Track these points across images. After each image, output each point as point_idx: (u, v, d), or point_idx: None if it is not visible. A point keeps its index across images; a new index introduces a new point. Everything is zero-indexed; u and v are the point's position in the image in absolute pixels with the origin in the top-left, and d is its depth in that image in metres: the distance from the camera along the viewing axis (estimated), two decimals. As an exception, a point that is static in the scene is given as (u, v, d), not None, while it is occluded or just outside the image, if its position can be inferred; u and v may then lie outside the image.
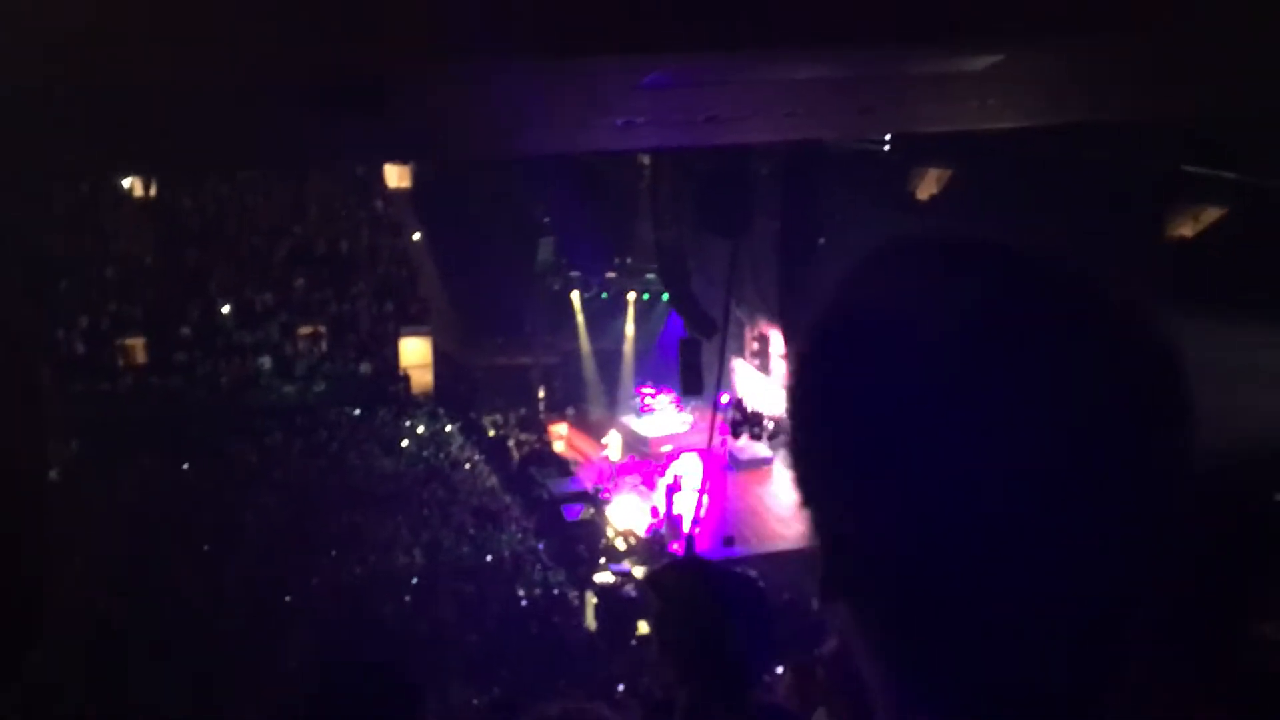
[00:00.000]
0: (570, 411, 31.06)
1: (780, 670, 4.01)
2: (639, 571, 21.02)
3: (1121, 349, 0.80)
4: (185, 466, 24.43)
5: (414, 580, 21.82)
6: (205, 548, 21.48)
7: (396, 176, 30.77)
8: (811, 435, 0.87)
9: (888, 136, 16.76)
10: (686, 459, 25.37)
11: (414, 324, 30.45)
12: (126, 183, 27.09)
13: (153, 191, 27.90)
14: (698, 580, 2.88)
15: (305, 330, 29.63)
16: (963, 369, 0.77)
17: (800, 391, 0.88)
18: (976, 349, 0.78)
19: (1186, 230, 14.12)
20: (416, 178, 30.52)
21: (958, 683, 0.82)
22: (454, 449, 27.92)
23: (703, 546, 20.86)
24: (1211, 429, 0.83)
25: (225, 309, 28.95)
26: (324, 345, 29.70)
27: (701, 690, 2.74)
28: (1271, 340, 11.58)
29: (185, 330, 28.06)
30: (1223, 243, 13.48)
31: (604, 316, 31.14)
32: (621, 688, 13.93)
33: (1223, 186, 13.58)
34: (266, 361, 28.81)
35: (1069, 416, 0.76)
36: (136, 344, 27.35)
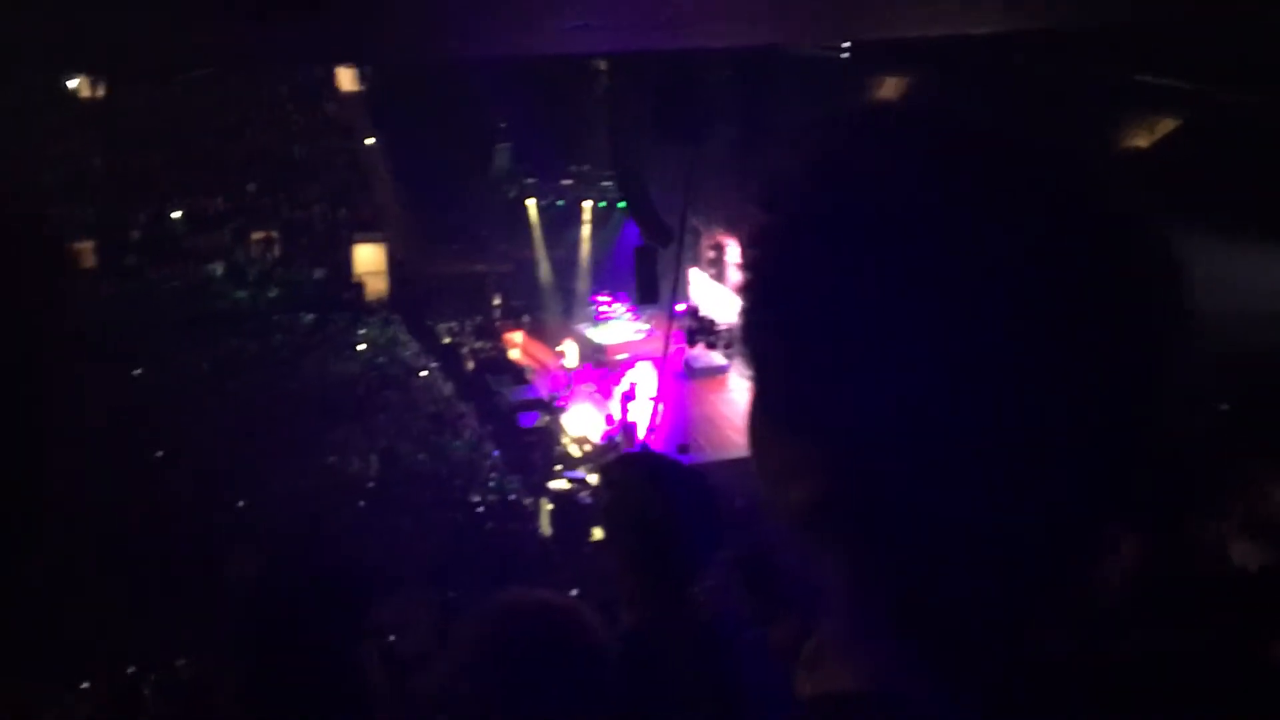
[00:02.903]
0: (525, 319, 30.96)
1: (730, 570, 4.06)
2: (593, 479, 21.15)
3: (1098, 233, 0.77)
4: (136, 373, 24.22)
5: (369, 486, 21.86)
6: (157, 454, 21.37)
7: (350, 80, 30.24)
8: (763, 328, 0.84)
9: (846, 43, 16.64)
10: (642, 367, 25.44)
11: (368, 230, 30.19)
12: (73, 84, 26.50)
13: (99, 93, 27.29)
14: (648, 472, 2.88)
15: (258, 235, 29.32)
16: (920, 248, 0.74)
17: (752, 276, 0.84)
18: (934, 227, 0.75)
19: (1142, 141, 14.16)
20: (370, 81, 30.02)
21: (909, 586, 0.80)
22: (408, 356, 27.85)
23: (659, 451, 20.98)
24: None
25: (176, 214, 28.55)
26: (277, 251, 29.42)
27: (649, 584, 2.75)
28: (1227, 252, 11.69)
29: (135, 234, 27.66)
30: (1177, 154, 13.53)
31: (560, 224, 30.96)
32: (575, 592, 14.06)
33: (1178, 96, 13.60)
34: (218, 268, 28.51)
35: (1030, 299, 0.73)
36: (85, 248, 26.96)
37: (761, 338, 0.85)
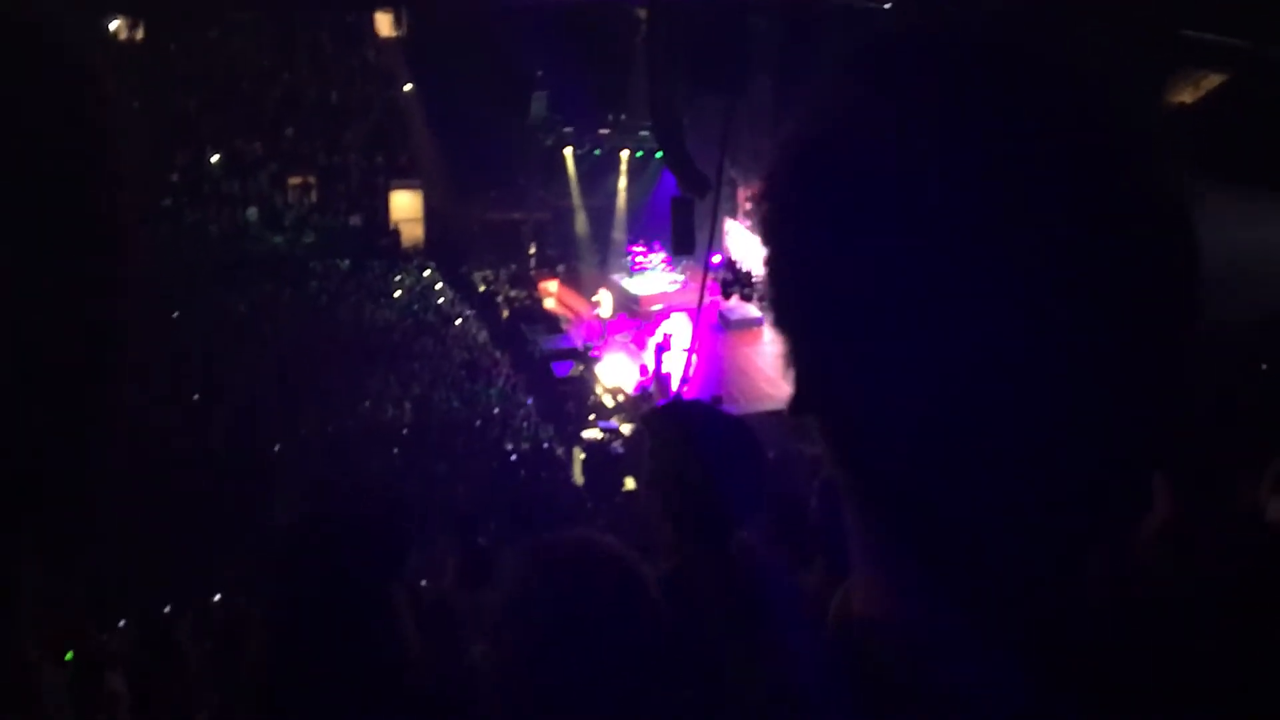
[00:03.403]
0: (561, 268, 30.95)
1: (766, 519, 4.07)
2: (627, 429, 21.20)
3: (1133, 192, 0.75)
4: (174, 315, 24.41)
5: (403, 433, 21.99)
6: (194, 398, 21.55)
7: (389, 25, 30.14)
8: (781, 256, 0.84)
9: (888, -6, 16.44)
10: (676, 318, 25.40)
11: (404, 176, 30.19)
12: (113, 26, 26.53)
13: (139, 35, 27.32)
14: (690, 420, 2.89)
15: (295, 181, 29.38)
16: (939, 186, 0.73)
17: (771, 209, 0.84)
18: (957, 166, 0.73)
19: (1186, 97, 13.94)
20: (409, 27, 29.91)
21: (923, 522, 0.79)
22: (444, 304, 27.92)
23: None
24: (1210, 299, 0.80)
25: (214, 158, 28.61)
26: (314, 196, 29.50)
27: (689, 530, 2.77)
28: (1270, 213, 11.55)
29: (173, 177, 27.75)
30: (1223, 111, 13.32)
31: (597, 173, 30.81)
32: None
33: (1224, 52, 13.37)
34: (254, 212, 28.58)
35: (1056, 239, 0.72)
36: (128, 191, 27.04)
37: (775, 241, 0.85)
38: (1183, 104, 13.99)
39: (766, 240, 0.85)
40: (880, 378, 0.77)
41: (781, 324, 0.85)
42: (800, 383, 0.84)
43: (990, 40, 0.80)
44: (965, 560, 0.79)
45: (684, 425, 2.88)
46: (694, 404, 3.14)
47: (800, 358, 0.84)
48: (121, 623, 10.20)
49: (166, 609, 10.95)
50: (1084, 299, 0.72)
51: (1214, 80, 13.75)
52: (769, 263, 0.85)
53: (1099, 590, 0.78)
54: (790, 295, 0.84)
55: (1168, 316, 0.76)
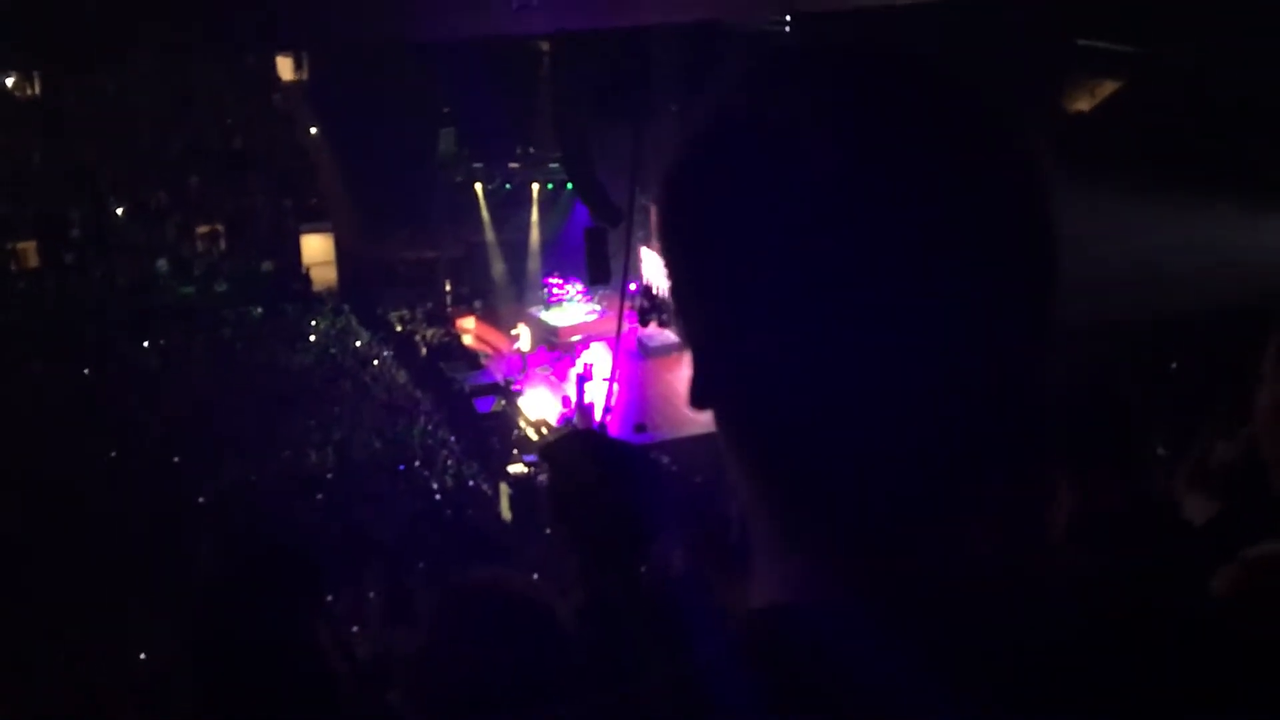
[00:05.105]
0: (478, 304, 30.87)
1: (685, 543, 4.08)
2: (539, 457, 21.13)
3: (998, 169, 0.79)
4: (85, 372, 23.98)
5: (326, 478, 21.74)
6: (111, 454, 21.17)
7: (290, 69, 29.91)
8: (676, 249, 0.86)
9: (788, 17, 16.65)
10: (596, 348, 25.43)
11: (315, 219, 29.97)
12: (9, 80, 26.09)
13: (35, 88, 26.86)
14: (590, 451, 2.89)
15: (202, 229, 29.03)
16: (820, 179, 0.76)
17: (667, 207, 0.87)
18: (835, 161, 0.76)
19: (1083, 104, 14.27)
20: (311, 69, 29.72)
21: (819, 512, 0.82)
22: (361, 345, 27.69)
23: (597, 429, 21.00)
24: (1098, 293, 0.83)
25: (118, 209, 28.19)
26: (222, 244, 29.15)
27: (595, 561, 2.76)
28: (1166, 211, 11.82)
29: (76, 232, 27.29)
30: (1120, 115, 13.65)
31: (508, 207, 30.82)
32: (536, 576, 14.06)
33: (1119, 59, 13.72)
34: (163, 263, 28.20)
35: (926, 228, 0.76)
36: (28, 247, 26.58)
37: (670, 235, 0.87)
38: (1081, 111, 14.32)
39: (661, 246, 0.88)
40: (764, 366, 0.80)
41: (680, 320, 0.88)
42: (698, 376, 0.87)
43: (861, 53, 0.86)
44: (856, 544, 0.81)
45: (582, 456, 2.88)
46: (591, 434, 3.15)
47: (697, 352, 0.87)
48: (43, 684, 9.98)
49: (89, 668, 10.72)
50: (950, 289, 0.75)
51: (1110, 86, 14.09)
52: (667, 266, 0.88)
53: (998, 578, 0.80)
54: (683, 293, 0.87)
55: (1032, 306, 0.80)
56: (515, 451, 22.84)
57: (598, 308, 28.06)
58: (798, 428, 0.80)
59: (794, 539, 0.84)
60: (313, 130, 30.25)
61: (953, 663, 0.76)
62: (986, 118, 0.81)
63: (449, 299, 30.66)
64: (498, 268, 31.10)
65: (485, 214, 30.61)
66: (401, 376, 26.45)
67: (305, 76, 29.85)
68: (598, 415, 22.48)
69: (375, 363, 26.99)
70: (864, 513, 0.80)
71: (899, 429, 0.77)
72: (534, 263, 30.70)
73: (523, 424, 24.41)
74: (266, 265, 29.32)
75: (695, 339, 0.87)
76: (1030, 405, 0.81)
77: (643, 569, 2.78)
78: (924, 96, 0.81)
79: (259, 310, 28.23)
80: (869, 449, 0.78)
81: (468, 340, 29.33)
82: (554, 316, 28.49)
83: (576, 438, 3.30)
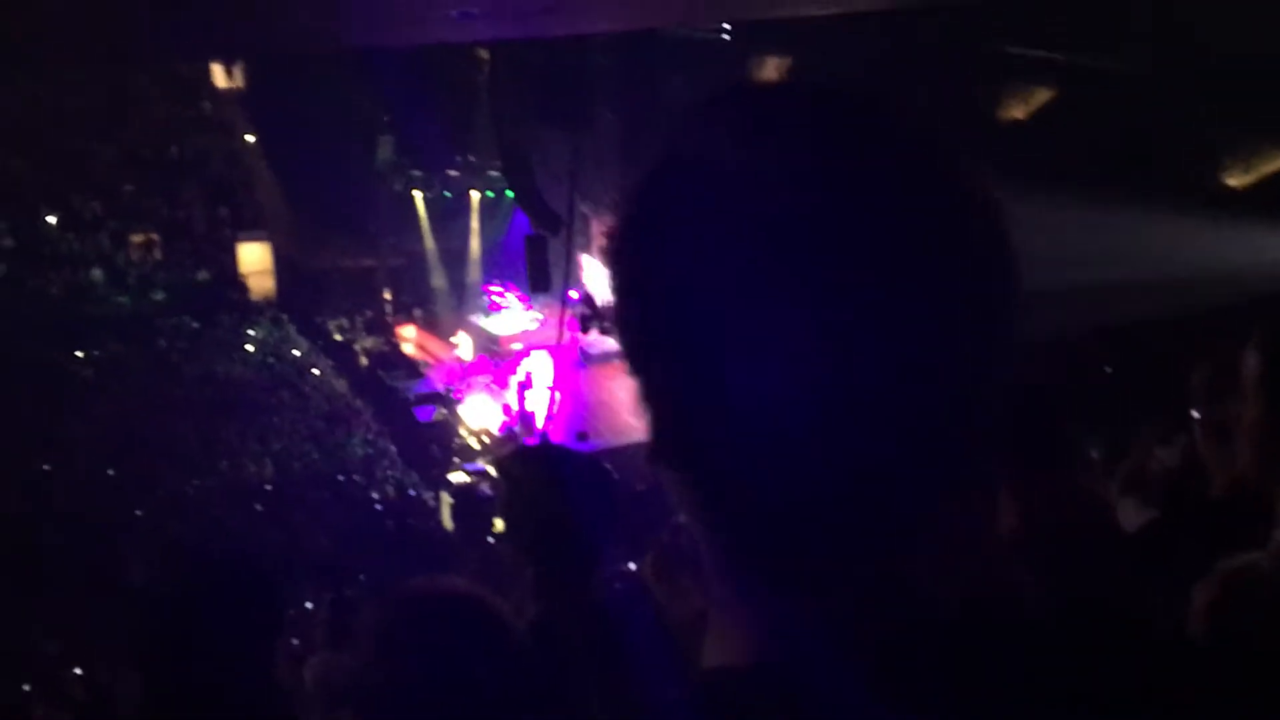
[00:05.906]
0: (418, 313, 30.70)
1: (636, 556, 4.09)
2: (493, 472, 21.06)
3: (947, 200, 0.79)
4: (17, 382, 23.57)
5: (266, 488, 21.54)
6: (44, 467, 20.86)
7: (225, 76, 29.60)
8: (631, 298, 0.85)
9: (726, 25, 16.73)
10: (537, 356, 25.36)
11: (251, 228, 29.68)
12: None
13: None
14: (544, 464, 2.89)
15: (137, 238, 28.67)
16: (776, 221, 0.76)
17: (620, 253, 0.85)
18: (793, 200, 0.76)
19: (1018, 112, 14.44)
20: (247, 77, 29.43)
21: (772, 546, 0.81)
22: (300, 355, 27.47)
23: (556, 442, 20.94)
24: (1037, 308, 0.84)
25: (51, 219, 27.79)
26: (158, 253, 28.79)
27: (549, 575, 2.76)
28: (1105, 221, 11.96)
29: (8, 241, 26.87)
30: (1054, 124, 13.82)
31: (448, 216, 30.63)
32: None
33: (1052, 68, 13.90)
34: (98, 273, 27.82)
35: (882, 265, 0.75)
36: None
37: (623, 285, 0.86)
38: (1015, 119, 14.49)
39: (621, 281, 0.86)
40: (731, 415, 0.78)
41: (639, 365, 0.86)
42: (658, 428, 0.85)
43: (823, 90, 0.84)
44: (829, 603, 0.80)
45: (537, 469, 2.88)
46: (546, 446, 3.12)
47: (657, 399, 0.85)
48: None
49: (25, 686, 10.55)
50: (904, 327, 0.75)
51: (1044, 95, 14.27)
52: (622, 303, 0.85)
53: (952, 613, 0.79)
54: (649, 335, 0.84)
55: (988, 336, 0.79)
56: (456, 460, 22.75)
57: (539, 315, 27.97)
58: (766, 471, 0.78)
59: (760, 594, 0.83)
60: (249, 138, 29.95)
61: (916, 699, 0.76)
62: (924, 145, 0.81)
63: (389, 308, 30.47)
64: (438, 276, 30.93)
65: (425, 222, 30.42)
66: (341, 386, 26.27)
67: (241, 84, 29.57)
68: (539, 423, 22.43)
69: (314, 372, 26.79)
70: (835, 570, 0.79)
71: (867, 471, 0.77)
72: (474, 271, 30.56)
73: (464, 433, 24.31)
74: (203, 275, 29.00)
75: (659, 396, 0.85)
76: (980, 430, 0.81)
77: (593, 583, 2.79)
78: (866, 133, 0.81)
79: (195, 320, 27.92)
80: (839, 503, 0.77)
81: (408, 349, 29.17)
82: (495, 325, 28.36)
83: (531, 450, 3.29)
